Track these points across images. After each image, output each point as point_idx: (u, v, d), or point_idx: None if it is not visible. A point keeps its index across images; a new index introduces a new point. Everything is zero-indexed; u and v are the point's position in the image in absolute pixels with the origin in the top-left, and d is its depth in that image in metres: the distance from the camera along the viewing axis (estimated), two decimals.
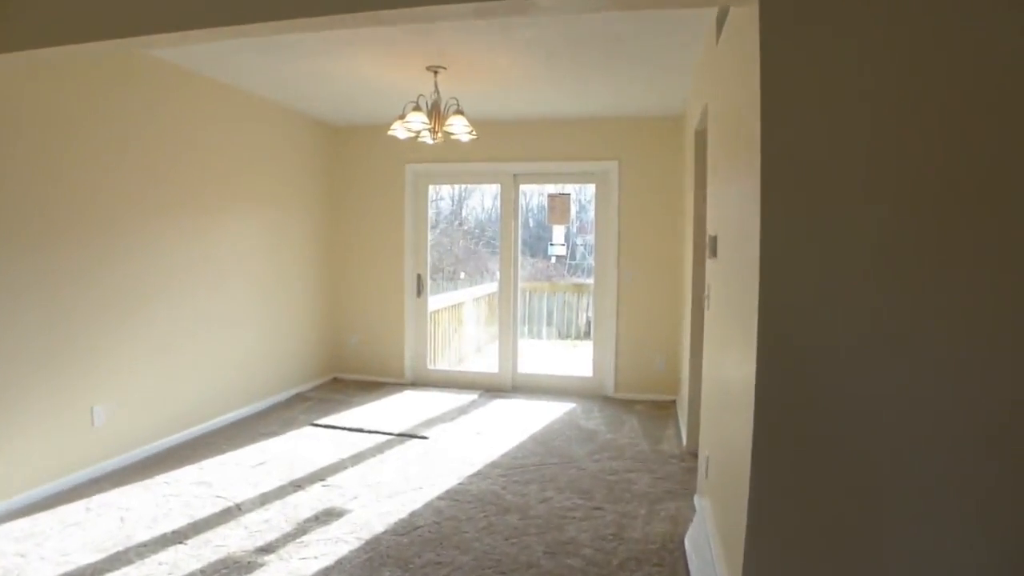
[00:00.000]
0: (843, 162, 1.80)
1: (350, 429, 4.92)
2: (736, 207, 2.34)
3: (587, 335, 10.14)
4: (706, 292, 3.32)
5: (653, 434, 4.86)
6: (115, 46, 2.64)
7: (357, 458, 4.28)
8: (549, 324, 10.47)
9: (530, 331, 10.24)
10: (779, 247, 1.85)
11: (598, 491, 3.74)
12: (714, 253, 2.98)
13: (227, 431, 4.83)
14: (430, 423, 5.08)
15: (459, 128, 4.12)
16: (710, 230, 3.15)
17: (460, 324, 8.12)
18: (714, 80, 3.10)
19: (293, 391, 5.96)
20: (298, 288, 6.00)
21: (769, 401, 1.86)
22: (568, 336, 10.13)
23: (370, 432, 4.85)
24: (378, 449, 4.47)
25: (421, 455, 4.35)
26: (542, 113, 5.69)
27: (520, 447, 4.53)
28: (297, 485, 3.82)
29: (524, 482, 3.87)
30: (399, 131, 4.23)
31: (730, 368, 2.48)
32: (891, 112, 1.76)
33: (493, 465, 4.16)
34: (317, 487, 3.79)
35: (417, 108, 4.00)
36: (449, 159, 6.14)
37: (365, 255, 6.49)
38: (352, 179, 6.46)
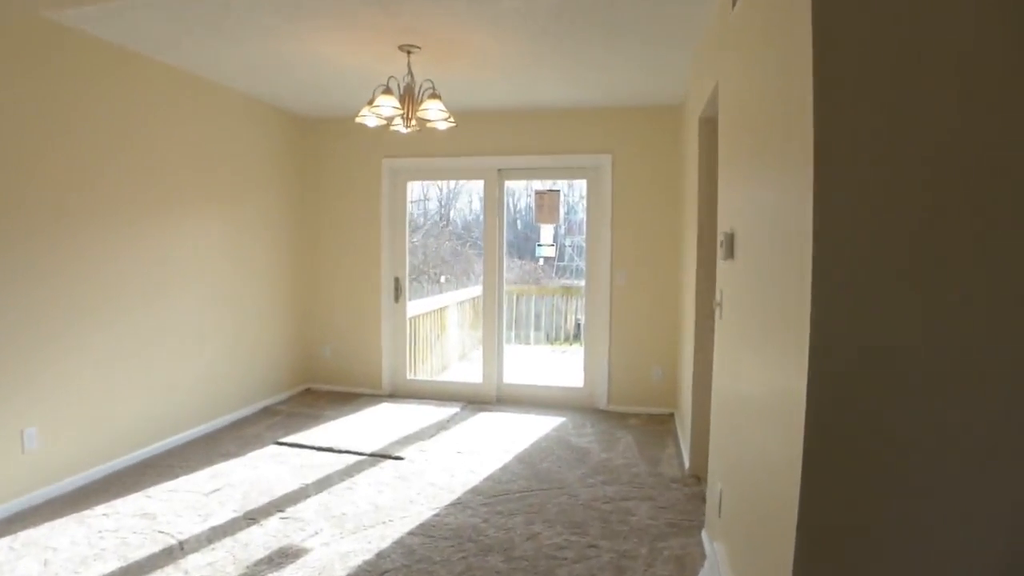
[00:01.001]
0: (919, 147, 1.39)
1: (318, 448, 4.46)
2: (768, 202, 1.93)
3: (576, 338, 9.78)
4: (717, 298, 2.90)
5: (651, 453, 4.43)
6: None
7: (322, 483, 3.83)
8: (537, 328, 10.07)
9: (517, 336, 9.83)
10: (840, 247, 1.43)
11: (592, 524, 3.30)
12: (730, 254, 2.56)
13: (182, 452, 4.36)
14: (406, 441, 4.63)
15: (435, 114, 3.68)
16: (724, 228, 2.72)
17: (443, 330, 7.68)
18: (729, 55, 2.68)
19: (261, 404, 5.50)
20: (266, 293, 5.54)
21: (824, 426, 1.45)
22: (557, 340, 9.73)
23: (340, 452, 4.39)
24: (347, 472, 4.02)
25: (395, 479, 3.90)
26: (528, 102, 5.27)
27: (505, 469, 4.09)
28: (252, 517, 3.36)
29: (508, 513, 3.43)
30: (368, 118, 3.79)
31: (754, 384, 2.06)
32: (989, 85, 1.34)
33: (474, 492, 3.72)
34: (274, 520, 3.33)
35: (388, 91, 3.56)
36: (429, 153, 5.70)
37: (339, 257, 6.03)
38: (325, 175, 6.01)
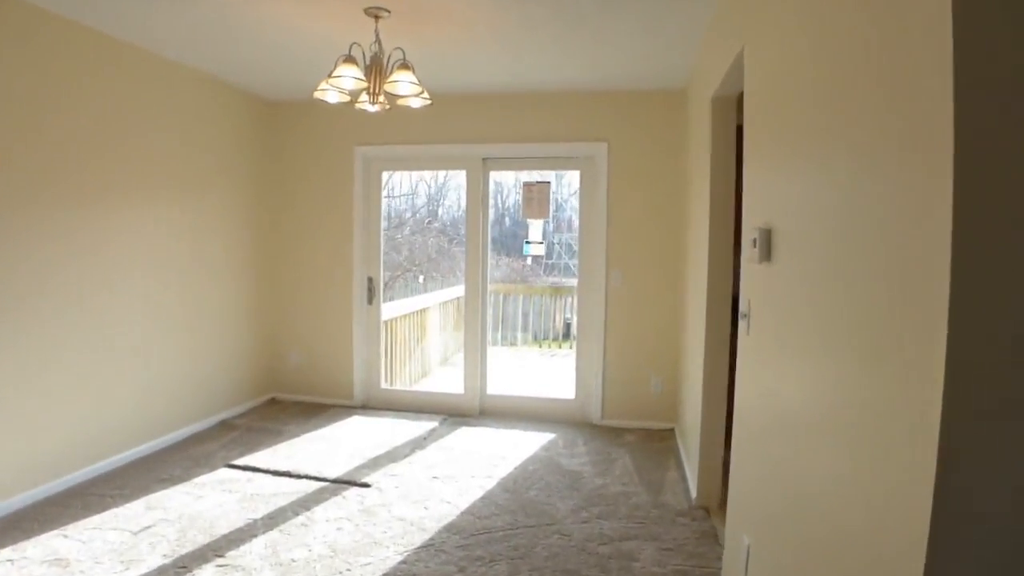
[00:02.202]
0: None
1: (274, 473, 3.92)
2: (841, 196, 1.42)
3: (566, 338, 9.30)
4: (743, 308, 2.39)
5: (651, 478, 3.93)
6: None
7: (274, 519, 3.29)
8: (524, 330, 9.57)
9: (503, 337, 9.33)
10: (984, 247, 0.92)
11: (588, 574, 2.79)
12: (766, 256, 2.04)
13: (119, 476, 3.80)
14: (376, 463, 4.10)
15: (406, 87, 3.14)
16: (756, 224, 2.20)
17: (424, 333, 7.14)
18: (768, 9, 2.16)
19: (217, 417, 4.94)
20: (226, 293, 4.98)
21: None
22: (545, 340, 9.23)
23: (298, 477, 3.85)
24: (304, 503, 3.48)
25: (359, 513, 3.37)
26: (516, 84, 4.74)
27: (487, 500, 3.56)
28: (183, 565, 2.81)
29: (490, 559, 2.90)
30: (329, 92, 3.25)
31: (823, 403, 1.55)
32: None
33: (450, 530, 3.19)
34: (209, 569, 2.79)
35: (350, 60, 3.01)
36: (406, 140, 5.16)
37: (308, 254, 5.48)
38: (292, 164, 5.44)
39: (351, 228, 5.32)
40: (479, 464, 4.11)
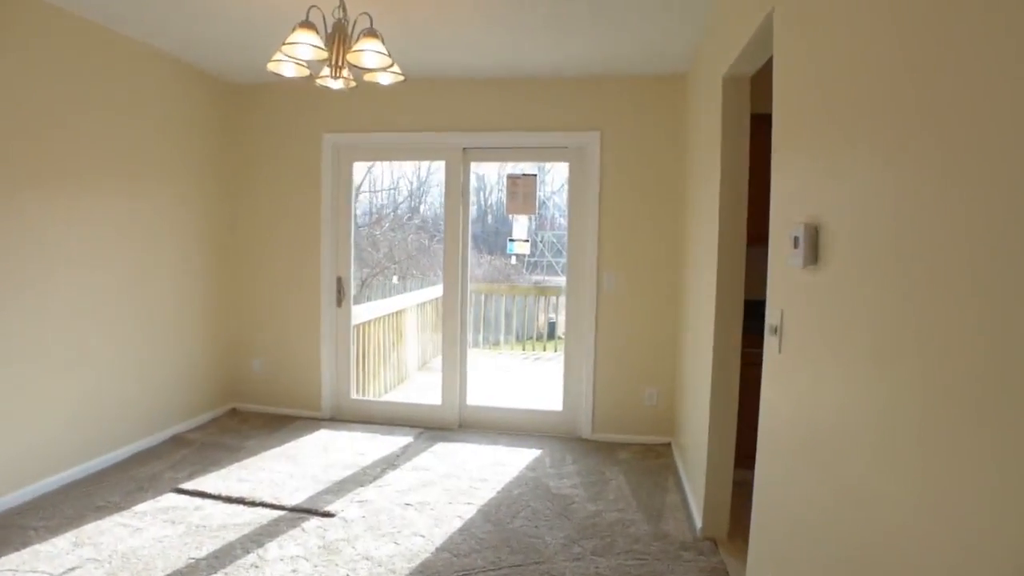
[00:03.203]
0: None
1: (226, 499, 3.47)
2: (924, 186, 1.02)
3: (551, 338, 8.91)
4: (773, 319, 1.99)
5: (649, 502, 3.53)
6: None
7: (220, 557, 2.84)
8: (508, 332, 9.17)
9: (485, 339, 8.92)
10: None
11: None
12: (812, 258, 1.65)
13: (46, 505, 3.33)
14: (342, 486, 3.66)
15: (373, 59, 2.70)
16: (797, 218, 1.80)
17: (401, 337, 6.69)
18: None
19: (170, 431, 4.47)
20: (182, 292, 4.52)
21: None
22: (529, 339, 8.84)
23: (253, 504, 3.41)
24: (257, 538, 3.03)
25: (319, 550, 2.93)
26: (501, 67, 4.32)
27: (466, 532, 3.14)
28: None
29: None
30: (285, 65, 2.80)
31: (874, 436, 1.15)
32: None
33: (424, 571, 2.77)
34: None
35: (308, 26, 2.57)
36: (380, 127, 4.72)
37: (272, 252, 5.01)
38: (255, 152, 4.97)
39: (319, 224, 4.86)
40: (457, 487, 3.69)
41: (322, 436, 4.56)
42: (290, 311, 5.00)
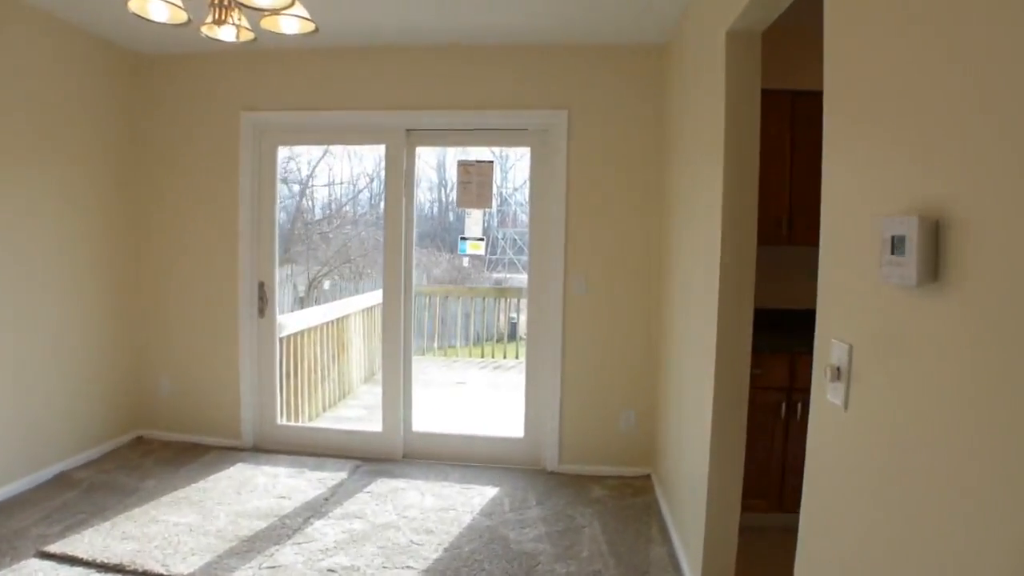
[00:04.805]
0: None
1: (101, 567, 2.72)
2: None
3: (511, 339, 8.27)
4: (835, 358, 1.35)
5: (632, 558, 2.89)
6: None
7: None
8: (465, 338, 8.51)
9: (439, 346, 8.24)
10: None
11: None
12: (931, 271, 1.01)
13: None
14: (252, 545, 2.93)
15: None
16: (885, 209, 1.15)
17: (343, 348, 5.95)
18: None
19: (56, 468, 3.68)
20: (70, 305, 3.74)
21: None
22: (488, 342, 8.19)
23: (132, 574, 2.67)
24: None
25: None
26: (450, 32, 3.64)
27: None
28: None
29: None
30: (153, 4, 2.07)
31: None
32: None
33: None
34: None
35: None
36: (308, 105, 3.99)
37: (181, 253, 4.22)
38: (163, 135, 4.18)
39: (237, 219, 4.11)
40: (396, 544, 2.99)
41: (238, 472, 3.81)
42: (203, 321, 4.23)
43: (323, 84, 3.96)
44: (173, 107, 4.15)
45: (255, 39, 2.30)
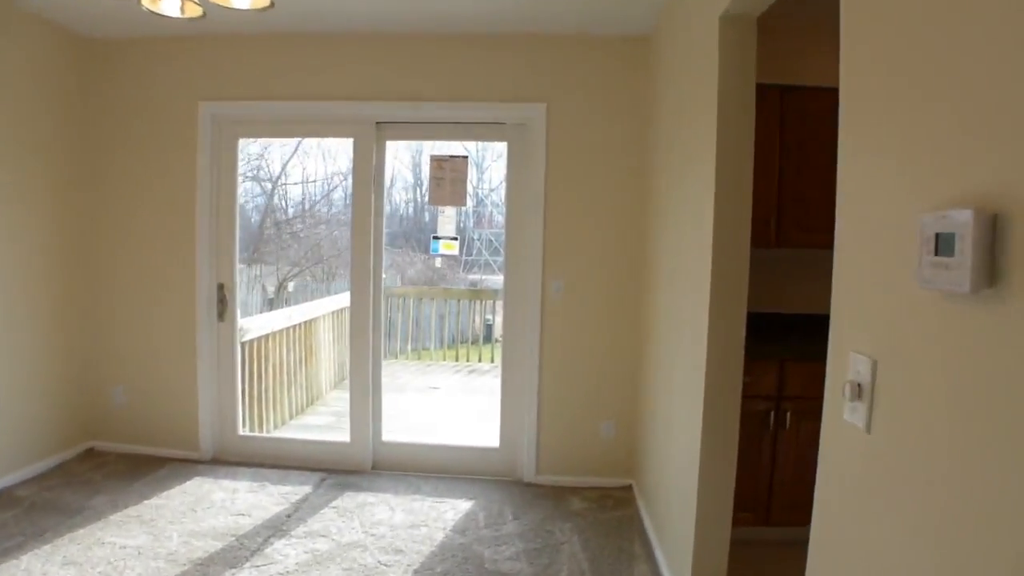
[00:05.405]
0: None
1: None
2: None
3: (487, 341, 8.10)
4: (855, 374, 1.18)
5: None
6: None
7: None
8: (440, 340, 8.31)
9: (413, 348, 8.02)
10: None
11: None
12: (987, 275, 0.84)
13: None
14: (204, 570, 2.70)
15: None
16: (928, 202, 0.98)
17: (311, 352, 5.71)
18: None
19: None
20: (19, 303, 3.50)
21: None
22: (464, 345, 8.01)
23: None
24: None
25: None
26: (420, 17, 3.45)
27: None
28: None
29: None
30: None
31: None
32: None
33: None
34: None
35: None
36: (272, 95, 3.77)
37: (137, 252, 3.96)
38: (116, 126, 3.91)
39: (194, 216, 3.87)
40: (362, 566, 2.78)
41: (195, 487, 3.57)
42: (160, 325, 3.97)
43: (288, 73, 3.74)
44: (128, 97, 3.89)
45: (204, 15, 2.10)
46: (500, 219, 10.99)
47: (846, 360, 1.22)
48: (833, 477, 1.30)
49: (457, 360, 7.84)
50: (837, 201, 1.28)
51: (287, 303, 8.98)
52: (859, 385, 1.16)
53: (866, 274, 1.18)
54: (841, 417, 1.23)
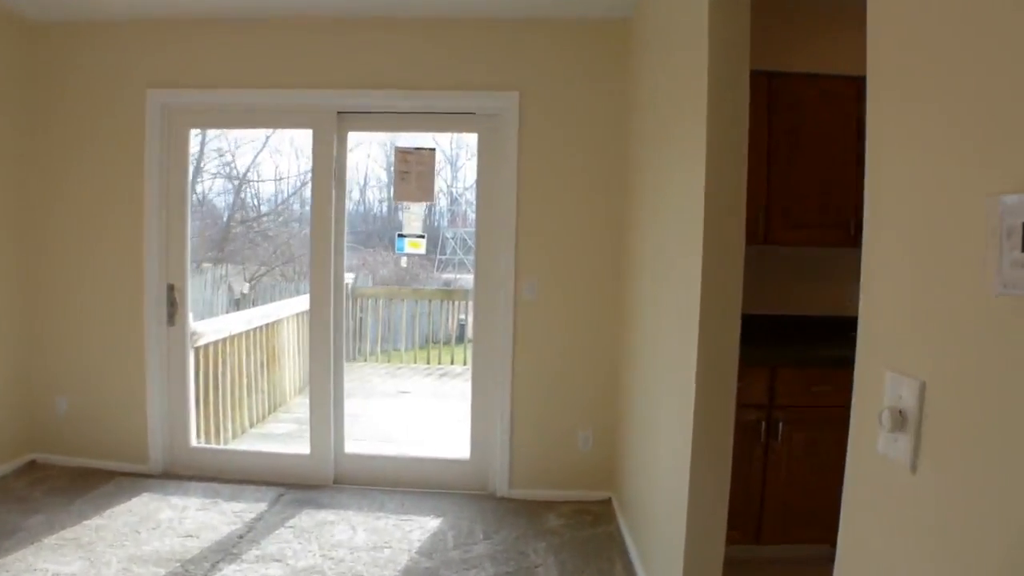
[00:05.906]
0: None
1: None
2: None
3: (459, 341, 7.86)
4: (894, 399, 0.97)
5: None
6: None
7: None
8: (410, 341, 8.04)
9: (383, 350, 7.76)
10: None
11: None
12: None
13: None
14: None
15: None
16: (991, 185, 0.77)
17: (273, 356, 5.42)
18: None
19: None
20: None
21: None
22: (435, 346, 7.76)
23: None
24: None
25: None
26: (388, 3, 3.20)
27: None
28: None
29: None
30: None
31: None
32: None
33: None
34: None
35: None
36: (224, 83, 3.50)
37: (79, 251, 3.67)
38: (57, 117, 3.62)
39: (142, 212, 3.58)
40: None
41: (141, 505, 3.29)
42: (106, 329, 3.68)
43: (242, 59, 3.48)
44: (74, 85, 3.61)
45: None
46: (474, 217, 10.81)
47: (881, 380, 1.02)
48: (865, 520, 1.09)
49: (428, 362, 7.59)
50: (866, 188, 1.08)
51: (255, 303, 8.66)
52: (900, 412, 0.95)
53: (909, 277, 0.97)
54: (874, 449, 1.03)
